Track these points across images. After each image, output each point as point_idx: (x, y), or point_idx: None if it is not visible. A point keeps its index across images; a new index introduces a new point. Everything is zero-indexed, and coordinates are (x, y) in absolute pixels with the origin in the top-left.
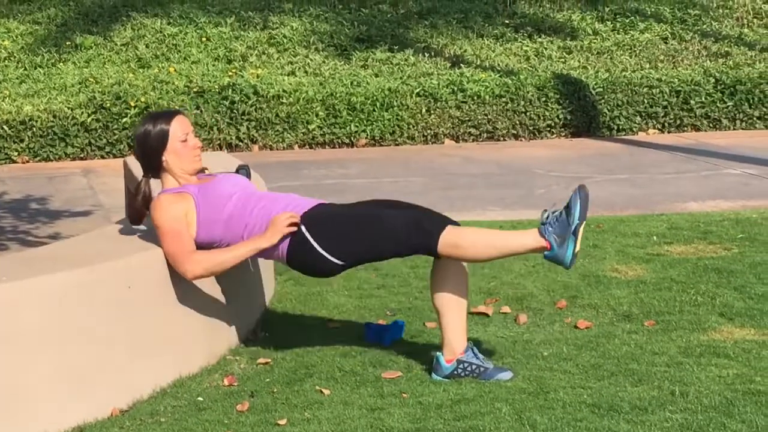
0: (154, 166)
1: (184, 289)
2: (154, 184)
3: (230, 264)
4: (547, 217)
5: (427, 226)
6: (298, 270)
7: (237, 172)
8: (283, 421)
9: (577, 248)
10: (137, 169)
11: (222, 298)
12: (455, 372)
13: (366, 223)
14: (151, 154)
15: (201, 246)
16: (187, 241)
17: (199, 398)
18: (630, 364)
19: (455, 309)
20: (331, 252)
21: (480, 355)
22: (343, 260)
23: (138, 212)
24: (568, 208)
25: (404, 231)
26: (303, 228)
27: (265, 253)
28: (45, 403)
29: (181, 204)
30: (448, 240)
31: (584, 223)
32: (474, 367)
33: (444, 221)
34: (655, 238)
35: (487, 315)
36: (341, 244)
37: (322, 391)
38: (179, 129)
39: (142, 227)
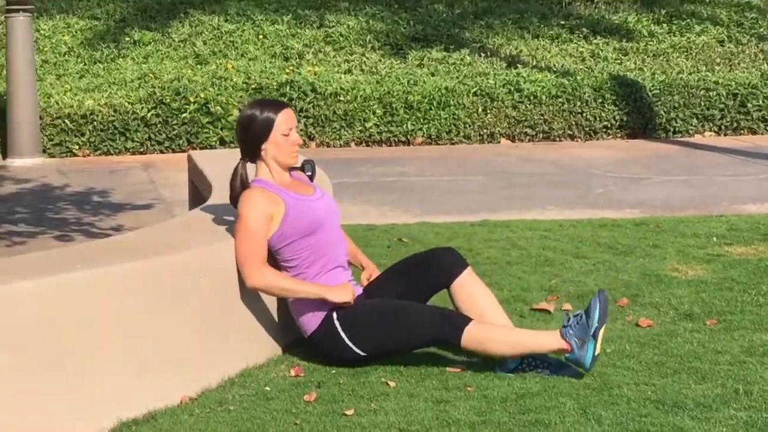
0: (252, 152)
1: None
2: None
3: (289, 294)
4: (569, 320)
5: (454, 319)
6: (318, 351)
7: (302, 166)
8: (350, 412)
9: (597, 351)
10: (201, 163)
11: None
12: (519, 367)
13: (394, 318)
14: (253, 140)
15: (271, 245)
16: (261, 249)
17: (267, 388)
18: (693, 362)
19: (491, 312)
20: (356, 343)
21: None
22: (366, 352)
23: (239, 195)
24: (588, 311)
25: (432, 326)
26: (334, 314)
27: (296, 309)
28: (117, 389)
29: (271, 207)
30: (473, 334)
31: (604, 326)
32: (538, 362)
33: (467, 318)
34: (714, 238)
35: (549, 312)
36: (368, 337)
37: (387, 383)
38: (284, 122)
39: (201, 217)
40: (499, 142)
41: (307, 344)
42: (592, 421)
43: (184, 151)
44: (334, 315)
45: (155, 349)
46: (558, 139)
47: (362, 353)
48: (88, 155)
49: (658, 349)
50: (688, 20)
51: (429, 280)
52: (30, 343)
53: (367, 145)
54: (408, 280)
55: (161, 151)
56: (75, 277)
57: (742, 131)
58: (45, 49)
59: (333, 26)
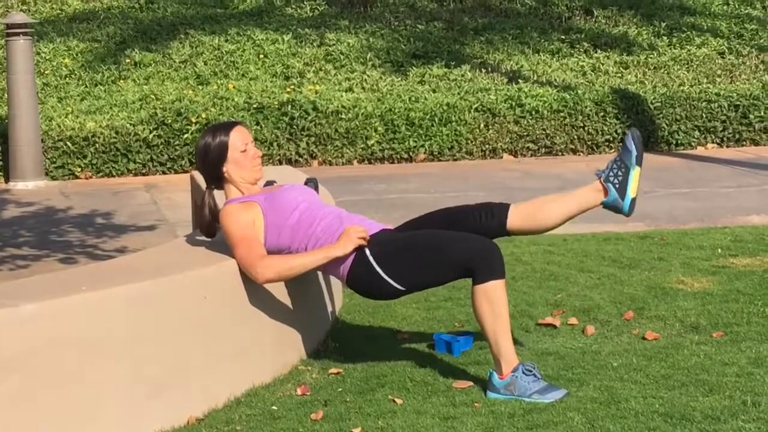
0: (216, 178)
1: (257, 300)
2: (218, 196)
3: (301, 270)
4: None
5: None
6: (357, 291)
7: (305, 184)
8: (357, 430)
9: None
10: (204, 182)
11: (293, 309)
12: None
13: (429, 251)
14: (212, 166)
15: (270, 252)
16: (258, 246)
17: (273, 407)
18: (700, 374)
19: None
20: (392, 277)
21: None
22: (404, 286)
23: (208, 225)
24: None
25: (467, 237)
26: (367, 251)
27: (329, 268)
28: (123, 410)
29: (248, 212)
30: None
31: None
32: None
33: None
34: (719, 250)
35: (554, 326)
36: (403, 270)
37: (394, 401)
38: (238, 139)
39: (204, 237)
40: (501, 157)
41: (349, 287)
42: None
43: (186, 172)
44: (367, 251)
45: (161, 370)
46: (560, 153)
47: (400, 287)
48: (91, 177)
49: (665, 362)
50: (689, 32)
51: (480, 231)
52: (36, 365)
53: (370, 163)
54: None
55: (163, 172)
56: (80, 299)
57: (745, 143)
58: (46, 72)
59: (333, 44)
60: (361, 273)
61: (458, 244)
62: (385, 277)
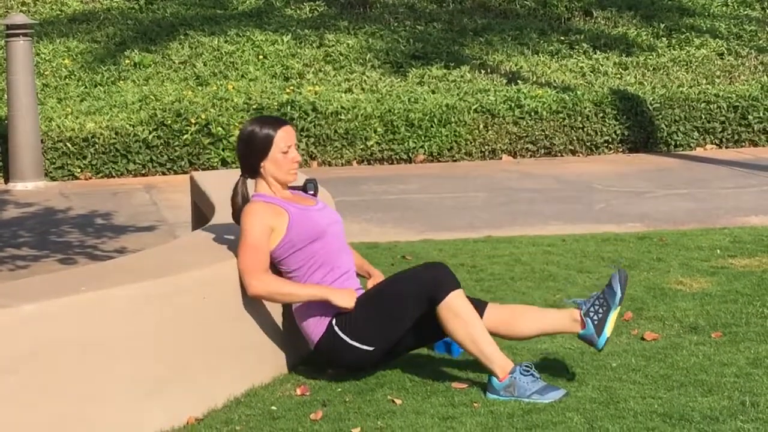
0: (252, 169)
1: (256, 300)
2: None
3: (292, 299)
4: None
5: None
6: (325, 360)
7: (305, 185)
8: (356, 430)
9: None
10: (204, 184)
11: (291, 310)
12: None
13: (386, 300)
14: (252, 157)
15: (273, 258)
16: (264, 260)
17: (273, 407)
18: (699, 374)
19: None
20: (359, 340)
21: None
22: (373, 346)
23: (240, 211)
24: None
25: (422, 284)
26: (333, 323)
27: (301, 319)
28: (122, 410)
29: (274, 218)
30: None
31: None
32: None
33: (481, 304)
34: (718, 251)
35: None
36: (368, 329)
37: (393, 401)
38: (283, 139)
39: (204, 237)
40: (500, 158)
41: (316, 357)
42: None
43: (185, 173)
44: (333, 321)
45: (161, 370)
46: (559, 154)
47: (369, 348)
48: (90, 178)
49: (663, 363)
50: (688, 34)
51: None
52: (35, 365)
53: (369, 164)
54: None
55: (163, 173)
56: (80, 299)
57: (744, 143)
58: (46, 72)
59: (333, 45)
60: (330, 342)
61: (408, 281)
62: (351, 342)
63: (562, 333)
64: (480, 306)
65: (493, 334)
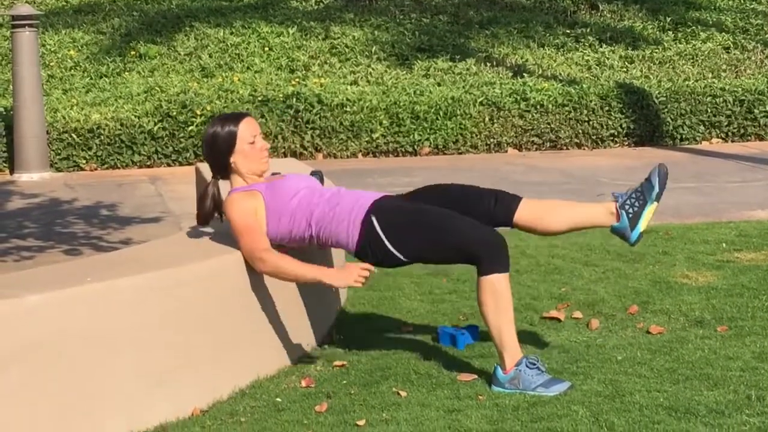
0: (222, 168)
1: (262, 292)
2: (223, 187)
3: (292, 277)
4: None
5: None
6: (363, 260)
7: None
8: (361, 422)
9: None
10: (209, 174)
11: (298, 302)
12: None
13: (438, 232)
14: (219, 156)
15: (273, 240)
16: (260, 237)
17: (278, 399)
18: (705, 368)
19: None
20: (398, 248)
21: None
22: (408, 258)
23: (206, 214)
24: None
25: (475, 227)
26: (374, 220)
27: (335, 240)
28: (128, 401)
29: (251, 201)
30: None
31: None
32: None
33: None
34: (724, 245)
35: (559, 320)
36: (410, 244)
37: (399, 393)
38: (247, 131)
39: (209, 229)
40: (506, 151)
41: (358, 258)
42: (605, 428)
43: (191, 164)
44: (374, 220)
45: (166, 362)
46: (565, 147)
47: (405, 259)
48: (96, 169)
49: (669, 356)
50: (694, 27)
51: (488, 216)
52: (40, 356)
53: (374, 156)
54: (461, 210)
55: (168, 164)
56: (85, 290)
57: (750, 137)
58: (51, 64)
59: (338, 38)
60: (368, 242)
61: (467, 231)
62: (391, 248)
63: (596, 226)
64: (515, 201)
65: (526, 228)
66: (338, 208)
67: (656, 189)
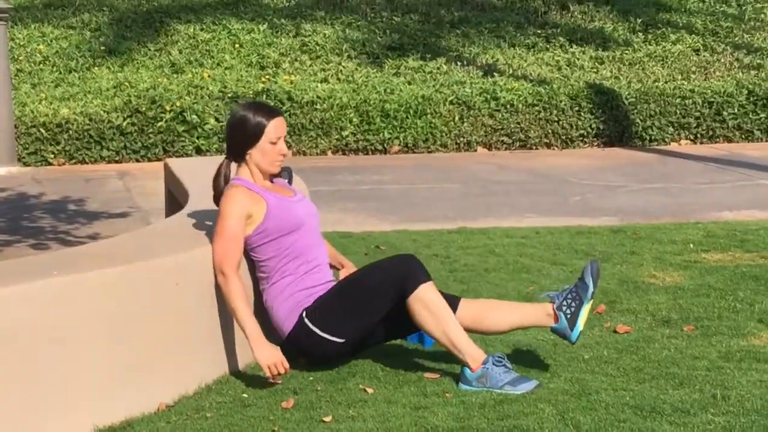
0: (238, 154)
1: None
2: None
3: (231, 310)
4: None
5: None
6: (300, 352)
7: (280, 174)
8: (328, 419)
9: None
10: (178, 171)
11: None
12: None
13: (356, 293)
14: (241, 143)
15: (246, 246)
16: (237, 252)
17: (244, 395)
18: (671, 367)
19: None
20: (330, 332)
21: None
22: (343, 338)
23: (221, 194)
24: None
25: (392, 277)
26: (304, 316)
27: (274, 310)
28: (93, 396)
29: (252, 205)
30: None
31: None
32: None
33: (454, 300)
34: (691, 245)
35: None
36: (338, 322)
37: (365, 390)
38: (275, 130)
39: (177, 224)
40: (475, 150)
41: (288, 347)
42: (571, 426)
43: (159, 160)
44: (304, 314)
45: (132, 356)
46: (534, 147)
47: (339, 340)
48: (64, 164)
49: (636, 355)
50: (664, 29)
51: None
52: (5, 349)
53: (344, 154)
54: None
55: (137, 160)
56: (51, 283)
57: (718, 139)
58: (20, 58)
59: (309, 35)
60: (301, 334)
61: (378, 273)
62: (322, 334)
63: (535, 326)
64: (453, 302)
65: (467, 329)
66: (301, 283)
67: (590, 288)
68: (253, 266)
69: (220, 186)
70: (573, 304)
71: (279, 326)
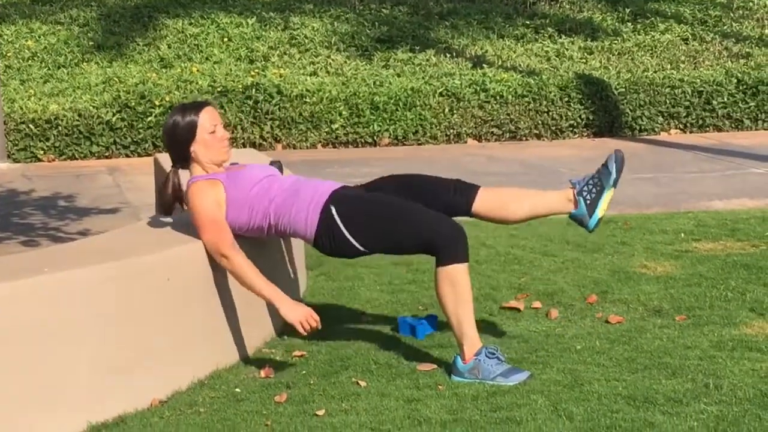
0: (182, 157)
1: (221, 282)
2: (183, 176)
3: (248, 285)
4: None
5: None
6: (321, 250)
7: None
8: (321, 412)
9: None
10: (168, 165)
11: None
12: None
13: (397, 221)
14: (180, 145)
15: (232, 229)
16: (225, 232)
17: (237, 390)
18: (663, 357)
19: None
20: (356, 237)
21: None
22: (366, 248)
23: (168, 204)
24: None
25: (430, 227)
26: (333, 209)
27: (293, 229)
28: (86, 393)
29: (213, 190)
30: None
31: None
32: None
33: (474, 188)
34: (682, 235)
35: (518, 310)
36: (368, 234)
37: (358, 383)
38: (208, 120)
39: (169, 219)
40: (465, 142)
41: (317, 248)
42: (564, 417)
43: (149, 155)
44: (333, 210)
45: (124, 352)
46: (524, 138)
47: (363, 249)
48: (53, 160)
49: (628, 345)
50: (653, 19)
51: (447, 206)
52: None
53: (334, 147)
54: (420, 200)
55: (127, 155)
56: (42, 280)
57: (708, 128)
58: (8, 54)
59: (298, 28)
60: (326, 231)
61: (426, 221)
62: (349, 237)
63: (555, 213)
64: (472, 190)
65: (485, 217)
66: (297, 197)
67: (613, 175)
68: (256, 242)
69: (168, 196)
70: (594, 190)
71: (305, 233)
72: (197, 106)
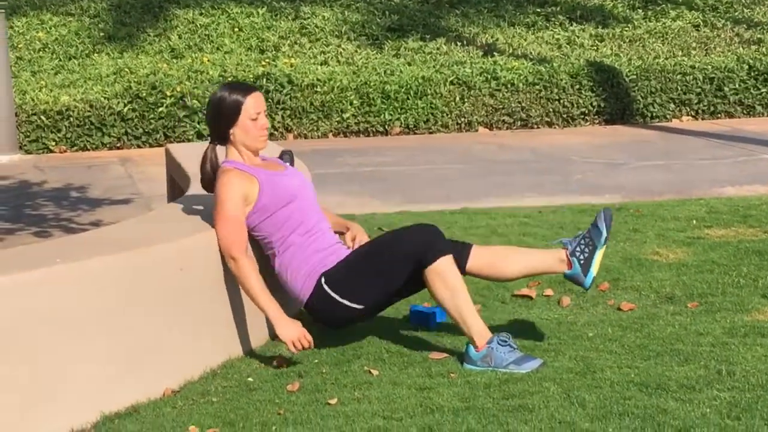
0: (221, 136)
1: (232, 272)
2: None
3: (248, 292)
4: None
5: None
6: (316, 318)
7: (281, 157)
8: (333, 401)
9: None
10: (179, 156)
11: (269, 281)
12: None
13: (375, 259)
14: (221, 124)
15: (246, 224)
16: (242, 234)
17: (249, 379)
18: (675, 344)
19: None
20: (348, 298)
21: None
22: (361, 304)
23: (208, 180)
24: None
25: (412, 243)
26: (323, 281)
27: (290, 281)
28: (99, 383)
29: (246, 185)
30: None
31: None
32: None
33: (466, 247)
34: (694, 221)
35: (530, 298)
36: (356, 288)
37: (370, 372)
38: (252, 106)
39: (180, 209)
40: (476, 130)
41: (306, 315)
42: (576, 404)
43: (161, 146)
44: (322, 279)
45: (137, 342)
46: (536, 126)
47: (358, 306)
48: (65, 151)
49: (640, 332)
50: (664, 5)
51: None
52: (11, 338)
53: (345, 136)
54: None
55: (138, 146)
56: (55, 271)
57: (719, 115)
58: (19, 46)
59: (308, 18)
60: (319, 300)
61: (399, 242)
62: (341, 300)
63: (548, 273)
64: (465, 249)
65: (479, 276)
66: (307, 250)
67: (604, 234)
68: (259, 246)
69: (207, 172)
70: (587, 250)
71: (296, 295)
72: (246, 89)
